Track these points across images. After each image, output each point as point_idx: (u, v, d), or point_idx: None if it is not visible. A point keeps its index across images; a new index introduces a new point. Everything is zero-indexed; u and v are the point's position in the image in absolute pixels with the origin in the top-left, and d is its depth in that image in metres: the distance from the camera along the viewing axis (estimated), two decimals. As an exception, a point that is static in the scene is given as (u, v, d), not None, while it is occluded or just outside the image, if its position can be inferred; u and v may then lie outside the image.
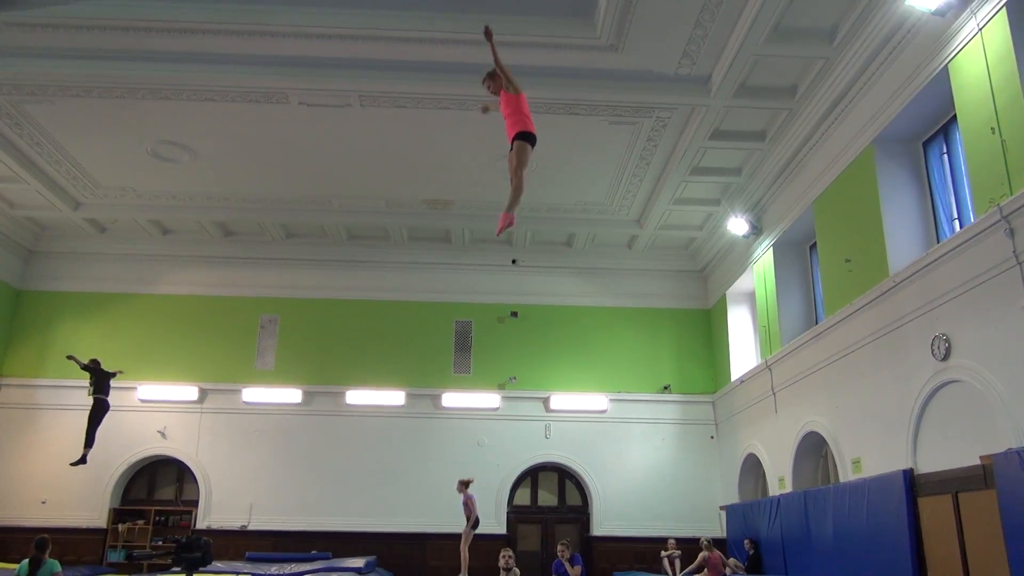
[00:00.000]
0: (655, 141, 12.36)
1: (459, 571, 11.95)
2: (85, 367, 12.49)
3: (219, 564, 12.20)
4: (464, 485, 11.82)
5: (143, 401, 15.61)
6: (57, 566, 8.62)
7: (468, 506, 11.70)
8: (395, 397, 15.87)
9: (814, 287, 13.02)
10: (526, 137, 6.56)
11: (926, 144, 9.95)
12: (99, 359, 12.82)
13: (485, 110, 7.52)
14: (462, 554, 11.73)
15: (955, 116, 8.76)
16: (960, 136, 8.67)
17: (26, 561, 8.57)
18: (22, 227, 15.78)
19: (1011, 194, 7.39)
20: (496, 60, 6.67)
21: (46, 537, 8.84)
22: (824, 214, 11.56)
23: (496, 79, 6.85)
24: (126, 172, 13.78)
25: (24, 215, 15.32)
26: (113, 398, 15.38)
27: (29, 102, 11.59)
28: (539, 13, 9.71)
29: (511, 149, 6.59)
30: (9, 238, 15.64)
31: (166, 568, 12.90)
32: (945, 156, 9.68)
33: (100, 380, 12.56)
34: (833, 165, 11.08)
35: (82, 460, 12.46)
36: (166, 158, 13.18)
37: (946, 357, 8.44)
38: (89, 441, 12.40)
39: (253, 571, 11.59)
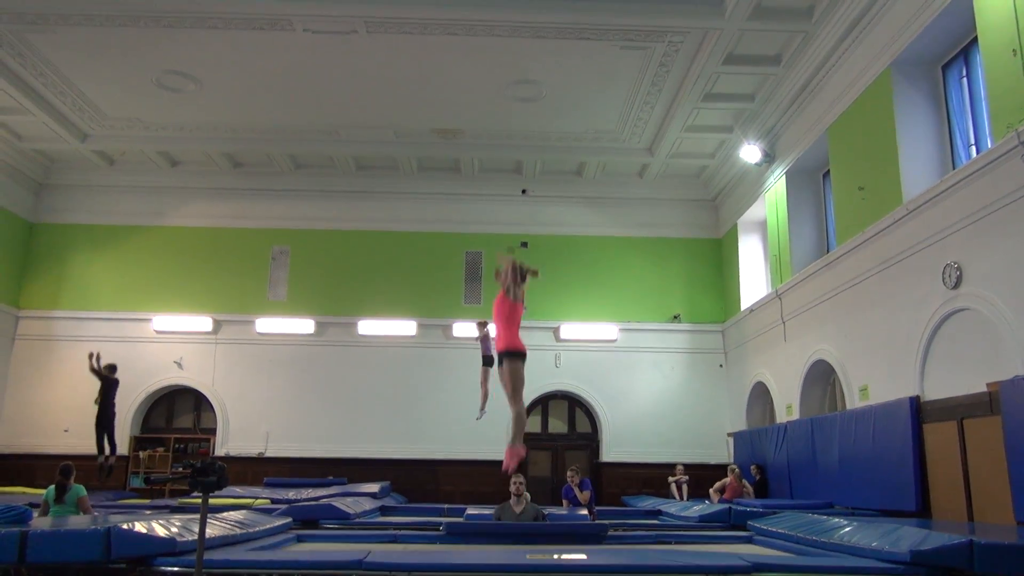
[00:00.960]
0: (667, 66, 12.10)
1: (472, 494, 12.24)
2: (101, 376, 12.25)
3: (237, 489, 12.57)
4: (482, 325, 11.83)
5: (159, 332, 15.83)
6: (82, 491, 8.89)
7: (484, 343, 11.63)
8: (407, 327, 16.02)
9: (826, 216, 12.91)
10: (518, 355, 6.23)
11: (945, 67, 9.70)
12: (116, 365, 12.58)
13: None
14: (482, 390, 11.73)
15: (976, 38, 8.52)
16: (980, 59, 8.45)
17: (52, 487, 8.84)
18: (31, 160, 15.75)
19: (1030, 119, 7.24)
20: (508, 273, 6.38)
21: (70, 464, 9.09)
22: (838, 141, 11.37)
23: (506, 277, 6.46)
24: (132, 103, 13.65)
25: (32, 147, 15.27)
26: (130, 329, 15.74)
27: (31, 31, 11.41)
28: (548, -67, 9.41)
29: (500, 364, 6.29)
30: (19, 171, 15.64)
31: (185, 493, 13.30)
32: (964, 80, 9.43)
33: (109, 388, 12.35)
34: (849, 90, 10.84)
35: (106, 466, 12.30)
36: (172, 88, 13.03)
37: (957, 285, 8.42)
38: (101, 447, 12.23)
39: (272, 496, 11.92)
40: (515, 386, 6.14)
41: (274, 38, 11.46)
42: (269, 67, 12.34)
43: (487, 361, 11.46)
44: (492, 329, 11.22)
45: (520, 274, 6.52)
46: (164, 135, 14.83)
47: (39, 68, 12.44)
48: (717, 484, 13.29)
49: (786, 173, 13.14)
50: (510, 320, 6.35)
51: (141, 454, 15.40)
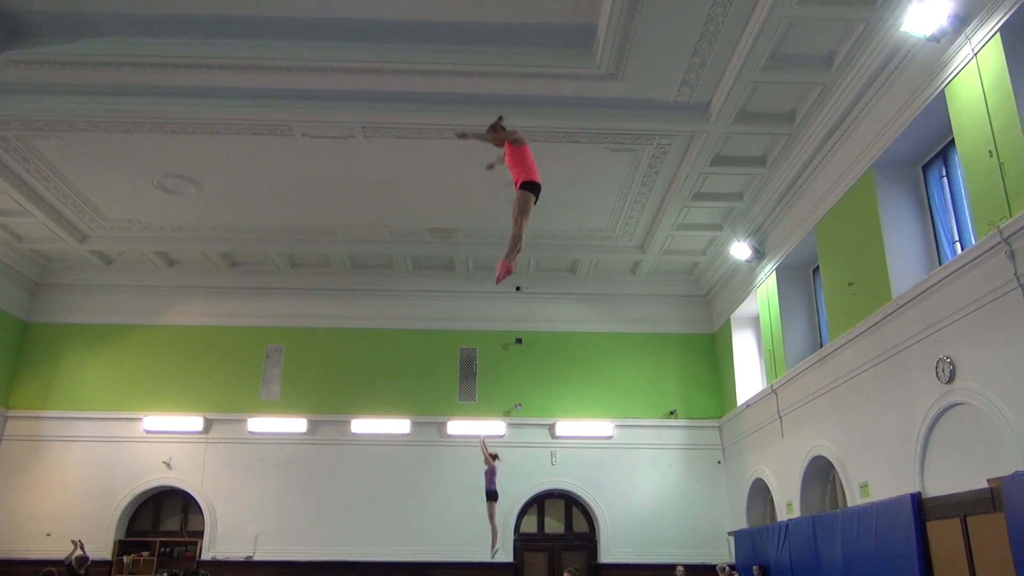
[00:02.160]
0: (656, 167, 12.45)
1: None
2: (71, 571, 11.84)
3: (224, 596, 12.13)
4: (494, 457, 11.61)
5: (148, 432, 15.61)
6: None
7: (488, 477, 11.54)
8: (400, 425, 15.84)
9: (818, 310, 13.02)
10: (530, 187, 6.70)
11: (925, 168, 10.02)
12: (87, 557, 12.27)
13: (490, 167, 7.60)
14: (492, 527, 11.51)
15: (953, 140, 8.83)
16: (959, 159, 8.73)
17: None
18: (29, 260, 15.90)
19: (1010, 216, 7.43)
20: (483, 137, 7.03)
21: (52, 570, 8.84)
22: (826, 238, 11.60)
23: (498, 131, 6.93)
24: (132, 205, 13.91)
25: (31, 248, 15.44)
26: (119, 429, 15.56)
27: (36, 137, 11.75)
28: (539, 44, 9.84)
29: (515, 199, 6.79)
30: (16, 271, 15.76)
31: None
32: (945, 179, 9.73)
33: None
34: (834, 189, 11.14)
35: None
36: (172, 191, 13.31)
37: (951, 380, 8.43)
38: None
39: (259, 603, 11.50)
40: (522, 212, 6.68)
41: (274, 142, 11.80)
42: (268, 169, 12.66)
43: (491, 496, 11.37)
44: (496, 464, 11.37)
45: (494, 129, 7.08)
46: (163, 235, 15.04)
47: (42, 172, 12.74)
48: None
49: (776, 269, 13.32)
50: (522, 162, 6.85)
51: (125, 559, 14.89)
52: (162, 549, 15.20)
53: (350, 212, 14.16)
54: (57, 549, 14.39)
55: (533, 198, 6.74)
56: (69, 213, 14.14)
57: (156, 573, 14.73)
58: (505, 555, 15.10)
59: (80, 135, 11.66)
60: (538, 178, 6.81)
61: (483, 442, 12.02)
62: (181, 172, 12.76)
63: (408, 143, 11.76)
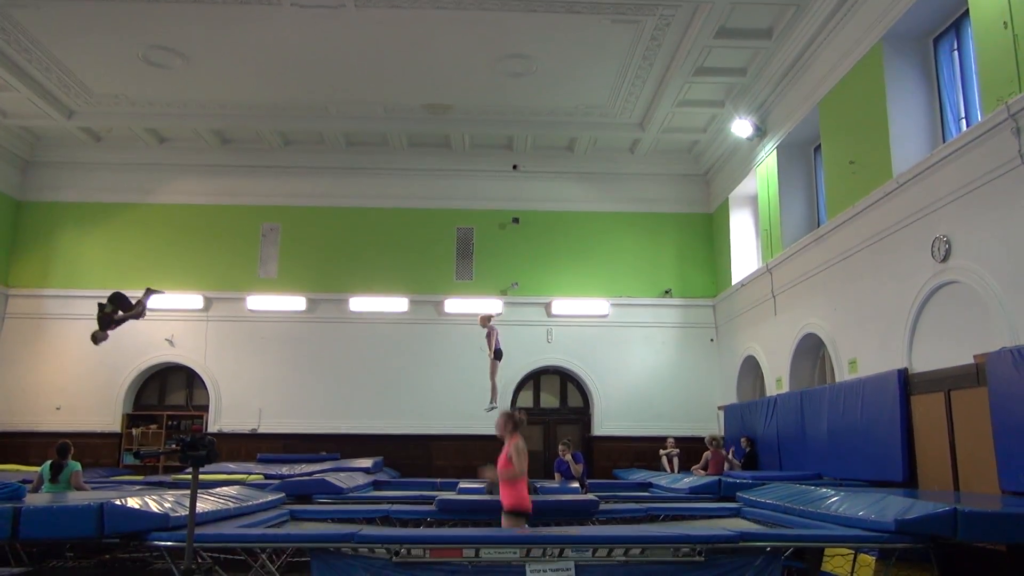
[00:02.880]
0: (658, 40, 12.02)
1: (464, 468, 12.36)
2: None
3: (231, 465, 12.63)
4: (486, 319, 11.82)
5: (149, 310, 15.71)
6: (76, 466, 8.96)
7: (489, 338, 11.70)
8: (398, 303, 16.03)
9: (817, 190, 12.92)
10: (515, 515, 6.78)
11: (936, 40, 9.68)
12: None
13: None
14: (492, 383, 11.87)
15: (967, 11, 8.48)
16: (972, 31, 8.42)
17: (47, 464, 8.89)
18: (17, 137, 15.60)
19: (1020, 91, 7.23)
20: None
21: (68, 442, 9.17)
22: (829, 115, 11.36)
23: (507, 424, 7.13)
24: (118, 79, 13.50)
25: (18, 124, 15.11)
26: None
27: (15, 7, 11.23)
28: (538, -96, 9.30)
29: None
30: (5, 148, 15.49)
31: (179, 469, 13.36)
32: (956, 53, 9.41)
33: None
34: (840, 64, 10.81)
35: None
36: (158, 64, 12.88)
37: (945, 258, 8.46)
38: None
39: (265, 471, 11.98)
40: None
41: (261, 12, 11.32)
42: (257, 42, 12.21)
43: (497, 355, 11.52)
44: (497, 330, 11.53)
45: (513, 424, 7.11)
46: (151, 111, 14.69)
47: (23, 44, 12.27)
48: (700, 463, 13.41)
49: (777, 147, 13.13)
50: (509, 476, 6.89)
51: (134, 431, 15.41)
52: (169, 422, 15.71)
53: (343, 88, 13.77)
54: (68, 422, 14.94)
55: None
56: (54, 88, 13.75)
57: (165, 443, 15.25)
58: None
59: (60, 4, 11.15)
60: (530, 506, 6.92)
61: (480, 318, 12.07)
62: (166, 44, 12.30)
63: (402, 13, 11.28)
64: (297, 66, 12.99)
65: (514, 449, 6.87)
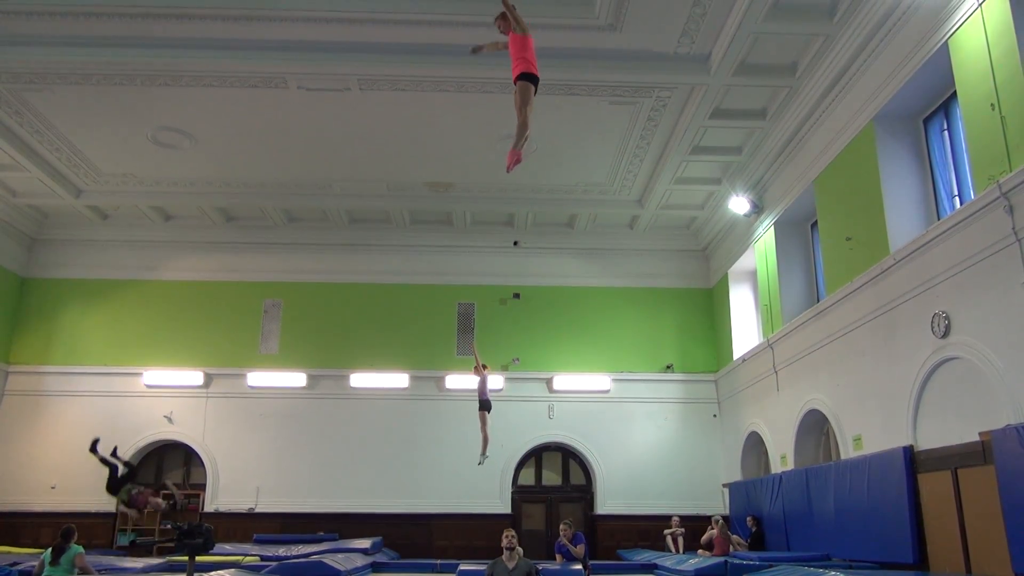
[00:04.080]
0: (655, 120, 12.33)
1: (465, 549, 12.12)
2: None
3: (227, 546, 12.38)
4: (478, 369, 11.74)
5: (149, 387, 15.73)
6: (79, 549, 8.87)
7: (481, 388, 11.68)
8: (399, 380, 15.96)
9: (815, 265, 13.02)
10: (529, 78, 6.63)
11: (927, 121, 9.92)
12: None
13: (476, 50, 7.49)
14: (483, 434, 11.68)
15: (955, 92, 8.72)
16: (960, 112, 8.64)
17: (49, 549, 8.81)
18: (24, 215, 15.83)
19: (1010, 171, 7.38)
20: (498, 24, 6.82)
21: (72, 527, 9.11)
22: (825, 192, 11.54)
23: (506, 19, 6.93)
24: (127, 159, 13.80)
25: (26, 203, 15.36)
26: (120, 384, 15.67)
27: (28, 90, 11.60)
28: (537, -6, 9.65)
29: (515, 90, 6.66)
30: (12, 226, 15.70)
31: (172, 552, 13.05)
32: (946, 133, 9.64)
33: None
34: (834, 143, 11.05)
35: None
36: (166, 144, 13.19)
37: (946, 334, 8.47)
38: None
39: (261, 552, 11.73)
40: (524, 101, 6.56)
41: (269, 95, 11.66)
42: (263, 123, 12.53)
43: (484, 406, 11.46)
44: (488, 376, 11.44)
45: (505, 15, 6.86)
46: (158, 190, 14.96)
47: (35, 126, 12.60)
48: (703, 539, 13.17)
49: (775, 224, 13.29)
50: (523, 53, 6.71)
51: (129, 511, 15.10)
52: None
53: (347, 166, 14.06)
54: (62, 502, 14.71)
55: (533, 88, 6.65)
56: (63, 167, 14.04)
57: (160, 525, 14.95)
58: (503, 506, 15.36)
59: (72, 88, 11.51)
60: (537, 71, 6.71)
61: (476, 368, 12.02)
62: (175, 125, 12.63)
63: (405, 95, 11.62)
64: (302, 145, 13.29)
65: (518, 26, 6.72)
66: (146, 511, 11.79)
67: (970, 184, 8.67)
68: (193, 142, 13.13)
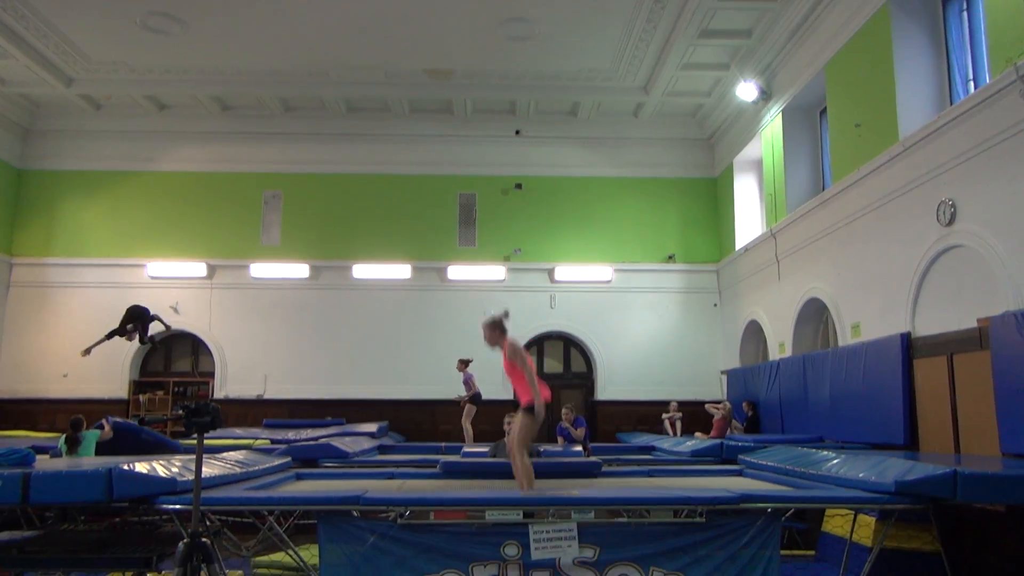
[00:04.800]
0: (662, 2, 11.86)
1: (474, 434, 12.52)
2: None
3: (238, 431, 12.74)
4: (464, 364, 12.22)
5: (153, 278, 15.83)
6: (95, 435, 9.11)
7: (468, 384, 12.14)
8: (401, 270, 16.04)
9: (822, 154, 12.82)
10: (531, 411, 6.33)
11: (945, 1, 9.52)
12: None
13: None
14: (464, 428, 12.28)
15: (977, -31, 8.35)
16: (981, -9, 8.30)
17: (63, 437, 9.05)
18: (16, 104, 15.51)
19: (1029, 52, 7.14)
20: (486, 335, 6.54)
21: (80, 417, 9.32)
22: (836, 77, 11.23)
23: (494, 331, 6.57)
24: (117, 46, 13.38)
25: (17, 92, 15.02)
26: (124, 275, 15.76)
27: (9, -30, 11.15)
28: None
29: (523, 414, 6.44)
30: (5, 116, 15.41)
31: (186, 435, 13.45)
32: (965, 13, 9.27)
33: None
34: (847, 25, 10.66)
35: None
36: (157, 30, 12.76)
37: (951, 222, 8.42)
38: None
39: (271, 436, 12.09)
40: (520, 439, 6.42)
41: (260, -25, 11.19)
42: (256, 7, 12.07)
43: (475, 399, 11.75)
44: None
45: (500, 329, 6.71)
46: (151, 78, 14.59)
47: (20, 11, 12.17)
48: (716, 415, 13.53)
49: (783, 111, 13.00)
50: (523, 378, 6.56)
51: (141, 397, 15.54)
52: (175, 388, 15.83)
53: (344, 53, 13.64)
54: (75, 389, 15.08)
55: (536, 423, 6.35)
56: (52, 55, 13.64)
57: (173, 409, 15.38)
58: (506, 392, 15.64)
59: (54, -32, 11.05)
60: (546, 396, 6.40)
61: (458, 362, 12.47)
62: (165, 10, 12.18)
63: (401, -24, 11.16)
64: (297, 31, 12.85)
65: (511, 351, 6.59)
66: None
67: (986, 67, 8.41)
68: (184, 28, 12.70)
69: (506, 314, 6.75)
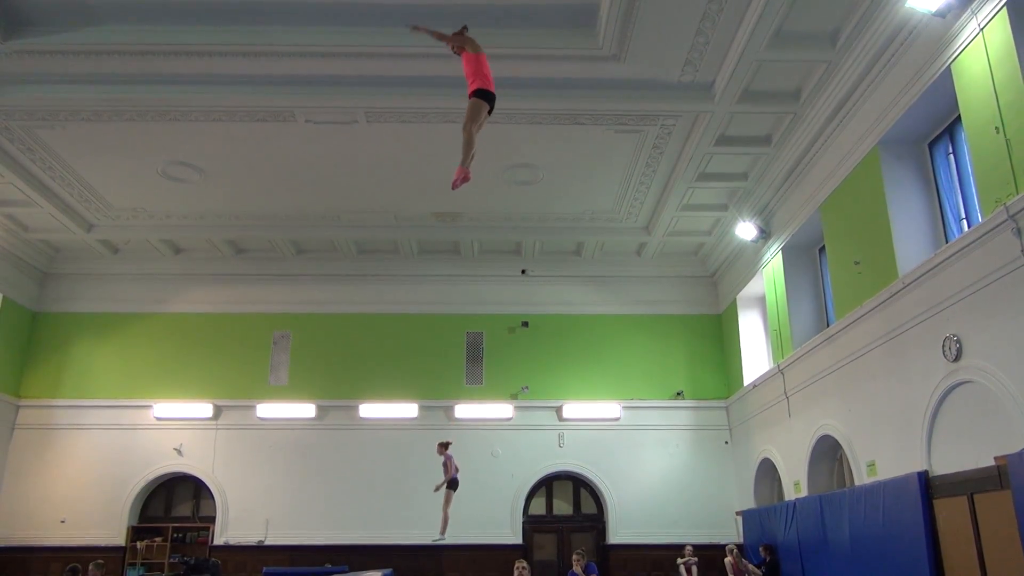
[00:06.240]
0: (661, 148, 12.39)
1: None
2: None
3: (237, 580, 12.27)
4: (443, 447, 11.81)
5: (159, 419, 15.73)
6: None
7: (447, 467, 11.73)
8: (408, 410, 15.92)
9: (824, 290, 12.98)
10: (482, 95, 6.86)
11: (931, 145, 9.93)
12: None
13: (414, 29, 7.68)
14: (444, 514, 11.73)
15: (959, 116, 8.75)
16: (965, 136, 8.66)
17: None
18: (36, 250, 15.96)
19: (1017, 193, 7.37)
20: (438, 35, 7.19)
21: (77, 566, 9.09)
22: (832, 217, 11.54)
23: (455, 39, 7.15)
24: (137, 193, 13.93)
25: (38, 238, 15.50)
26: (130, 416, 15.70)
27: (40, 127, 11.75)
28: (540, 25, 9.76)
29: (471, 99, 6.95)
30: (24, 261, 15.82)
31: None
32: (951, 156, 9.65)
33: None
34: (839, 168, 11.07)
35: None
36: (176, 178, 13.32)
37: (957, 358, 8.41)
38: None
39: (271, 586, 11.64)
40: (471, 118, 6.86)
41: (276, 129, 11.79)
42: (271, 156, 12.65)
43: (452, 484, 11.46)
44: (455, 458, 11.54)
45: (458, 35, 7.26)
46: (168, 223, 15.08)
47: (47, 162, 12.76)
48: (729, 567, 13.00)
49: (782, 249, 13.28)
50: (478, 70, 7.03)
51: (138, 544, 15.06)
52: (175, 535, 15.35)
53: (354, 197, 14.15)
54: (72, 536, 14.68)
55: (487, 108, 6.91)
56: (75, 202, 14.18)
57: (169, 559, 14.87)
58: (515, 536, 15.21)
59: (83, 124, 11.66)
60: (493, 88, 6.99)
61: (438, 445, 12.14)
62: (184, 160, 12.76)
63: (411, 127, 11.73)
64: (310, 177, 13.39)
65: (471, 45, 7.16)
66: None
67: (977, 207, 8.67)
68: (202, 175, 13.27)
69: (465, 27, 7.38)
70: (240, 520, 15.19)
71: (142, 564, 14.89)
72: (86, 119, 11.50)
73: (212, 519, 15.35)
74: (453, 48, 7.33)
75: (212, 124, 11.66)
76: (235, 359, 16.14)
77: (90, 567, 11.00)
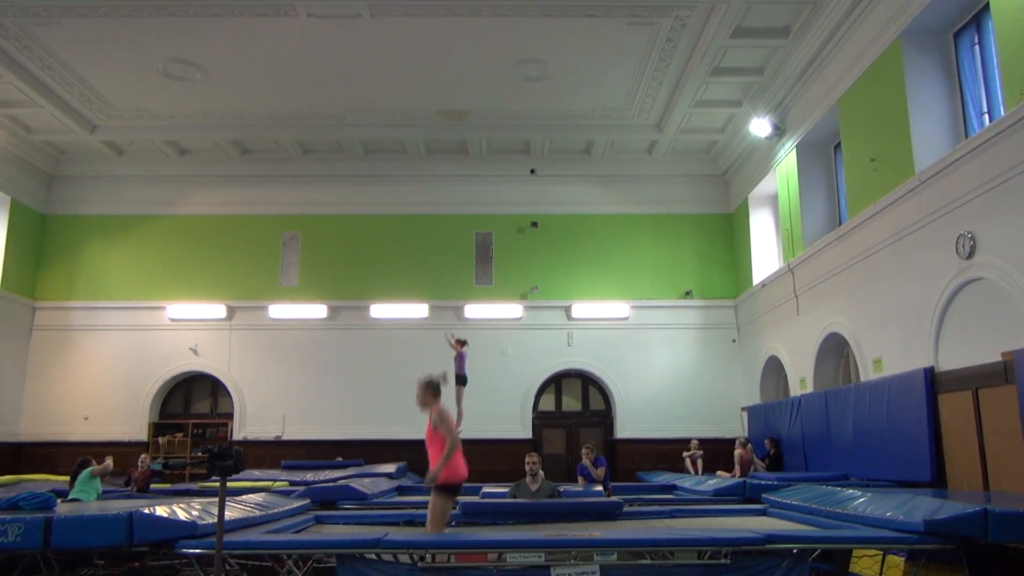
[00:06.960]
0: (674, 41, 12.00)
1: (487, 473, 12.39)
2: None
3: (256, 472, 12.72)
4: (460, 344, 11.70)
5: (173, 320, 15.97)
6: (88, 469, 9.35)
7: (458, 361, 11.54)
8: (419, 310, 16.09)
9: (838, 188, 12.82)
10: (445, 490, 6.19)
11: (957, 35, 9.57)
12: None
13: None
14: (458, 409, 11.77)
15: (988, 4, 8.39)
16: (992, 25, 8.33)
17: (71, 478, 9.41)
18: (41, 152, 15.83)
19: (1043, 85, 7.15)
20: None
21: (88, 457, 9.63)
22: (849, 112, 11.27)
23: (427, 392, 6.47)
24: (139, 93, 13.67)
25: (42, 139, 15.34)
26: (144, 317, 15.96)
27: (35, 24, 11.43)
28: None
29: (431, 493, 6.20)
30: (30, 163, 15.72)
31: (203, 476, 13.48)
32: (976, 47, 9.31)
33: None
34: (859, 61, 10.72)
35: None
36: (178, 77, 13.04)
37: (971, 255, 8.36)
38: None
39: (290, 478, 12.05)
40: (433, 516, 6.16)
41: (278, 24, 11.43)
42: (274, 53, 12.32)
43: (460, 380, 11.39)
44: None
45: (433, 392, 6.54)
46: (172, 124, 14.87)
47: (45, 60, 12.47)
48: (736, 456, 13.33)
49: (797, 146, 13.04)
50: (436, 448, 6.31)
51: (160, 440, 15.58)
52: (195, 430, 15.86)
53: (360, 96, 13.86)
54: (96, 432, 15.17)
55: (450, 501, 6.23)
56: (76, 103, 13.95)
57: (191, 453, 15.40)
58: (524, 431, 15.62)
59: (80, 20, 11.33)
60: (462, 476, 6.27)
61: (447, 335, 12.05)
62: (186, 57, 12.45)
63: (416, 21, 11.35)
64: (314, 75, 13.09)
65: (438, 417, 6.36)
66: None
67: (1000, 100, 8.42)
68: (204, 74, 12.97)
69: (443, 377, 6.62)
70: (257, 416, 15.62)
71: (164, 458, 15.41)
72: (81, 15, 11.17)
73: (230, 415, 15.81)
74: (420, 401, 6.59)
75: (212, 19, 11.31)
76: (245, 260, 16.23)
77: (140, 458, 12.44)
